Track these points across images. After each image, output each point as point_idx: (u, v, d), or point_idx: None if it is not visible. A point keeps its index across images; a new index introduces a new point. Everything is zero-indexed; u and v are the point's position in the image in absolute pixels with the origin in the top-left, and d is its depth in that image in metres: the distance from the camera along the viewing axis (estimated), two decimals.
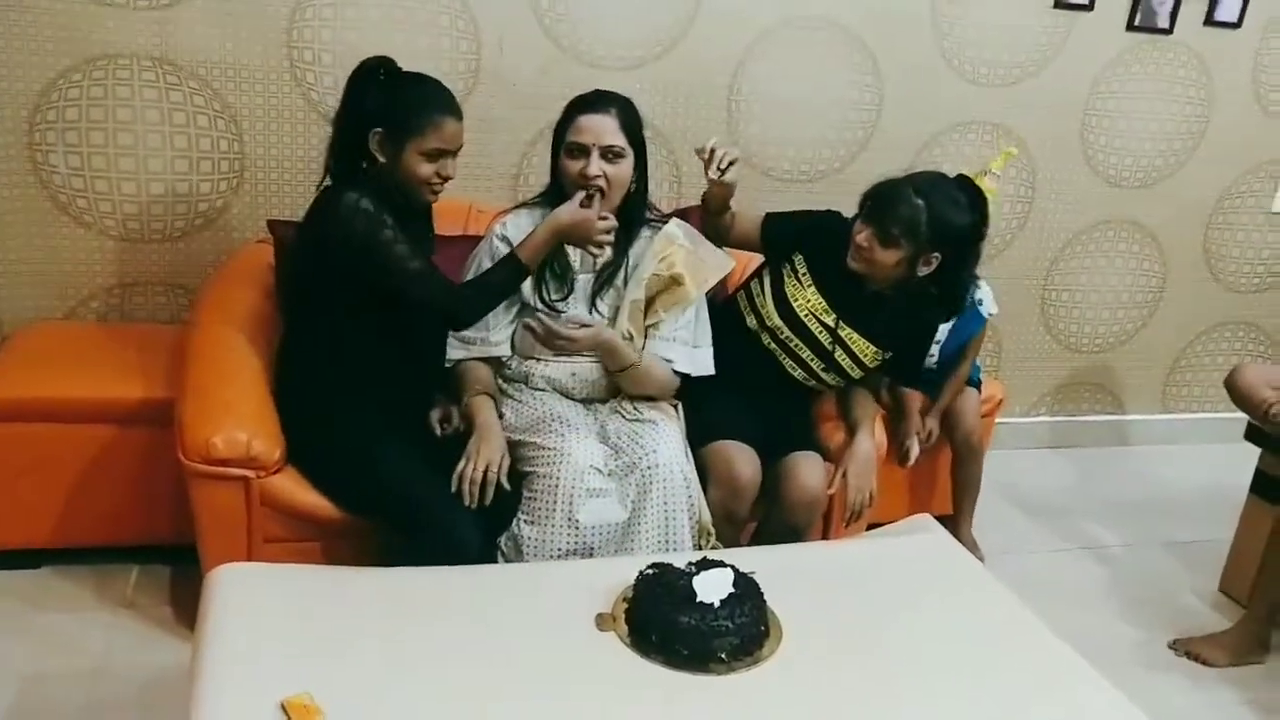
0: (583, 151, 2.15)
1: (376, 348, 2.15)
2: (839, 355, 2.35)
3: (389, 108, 2.04)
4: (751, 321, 2.39)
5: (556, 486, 2.05)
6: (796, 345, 2.35)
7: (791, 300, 2.35)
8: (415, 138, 2.02)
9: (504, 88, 2.82)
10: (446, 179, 2.09)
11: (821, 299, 2.33)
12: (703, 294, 2.31)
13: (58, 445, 2.34)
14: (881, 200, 2.24)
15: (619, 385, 2.26)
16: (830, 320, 2.33)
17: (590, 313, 2.25)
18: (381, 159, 2.05)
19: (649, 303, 2.26)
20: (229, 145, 2.69)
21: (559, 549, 2.05)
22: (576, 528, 2.05)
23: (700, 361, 2.30)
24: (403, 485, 2.04)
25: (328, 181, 2.12)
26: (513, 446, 2.15)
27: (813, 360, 2.36)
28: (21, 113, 2.54)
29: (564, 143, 2.18)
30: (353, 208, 2.00)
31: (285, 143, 2.73)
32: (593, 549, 2.06)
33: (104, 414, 2.34)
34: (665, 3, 2.89)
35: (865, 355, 2.37)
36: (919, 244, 2.21)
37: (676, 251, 2.25)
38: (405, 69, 2.10)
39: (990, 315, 2.87)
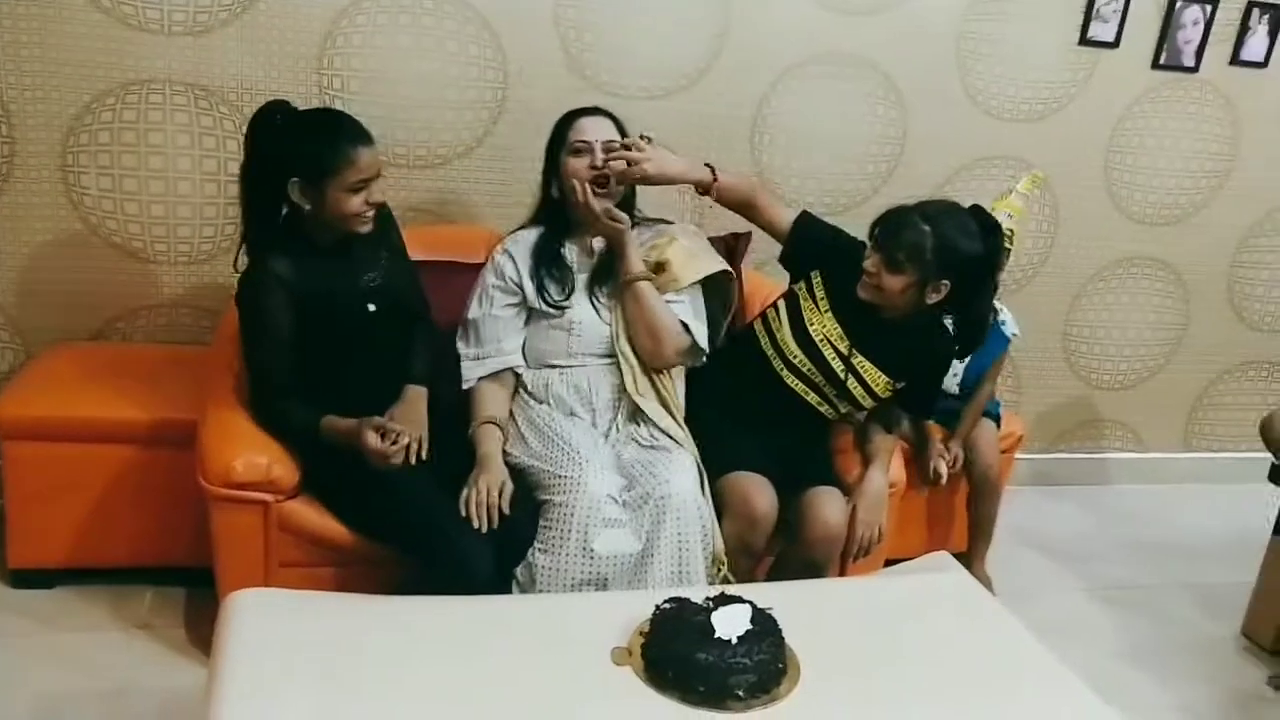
0: (587, 148, 2.29)
1: (355, 383, 2.16)
2: (851, 383, 2.35)
3: (298, 153, 2.02)
4: (767, 347, 2.39)
5: (572, 516, 2.07)
6: (810, 370, 2.35)
7: (808, 324, 2.35)
8: (333, 177, 2.01)
9: (530, 117, 2.84)
10: (377, 206, 2.10)
11: (837, 325, 2.34)
12: (694, 284, 2.38)
13: (78, 465, 2.35)
14: (889, 227, 2.24)
15: (625, 314, 2.30)
16: (844, 347, 2.33)
17: (592, 306, 2.34)
18: (306, 206, 2.05)
19: None
20: None
21: (573, 578, 2.05)
22: (591, 557, 2.05)
23: (700, 333, 2.36)
24: (414, 510, 2.05)
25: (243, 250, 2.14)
26: (529, 474, 2.18)
27: (825, 386, 2.36)
28: (56, 135, 2.57)
29: (565, 145, 2.31)
30: (248, 280, 2.09)
31: None
32: (607, 580, 2.06)
33: (124, 435, 2.36)
34: (691, 36, 2.91)
35: (877, 385, 2.36)
36: (925, 270, 2.20)
37: (668, 244, 2.39)
38: (307, 107, 2.15)
39: (1014, 335, 2.87)
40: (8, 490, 2.35)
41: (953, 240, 2.19)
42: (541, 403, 2.30)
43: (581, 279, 2.36)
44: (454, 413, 2.32)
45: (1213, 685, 2.60)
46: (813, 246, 2.40)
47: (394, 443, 2.02)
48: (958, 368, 2.78)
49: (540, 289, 2.33)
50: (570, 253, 2.38)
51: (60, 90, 2.55)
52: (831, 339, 2.33)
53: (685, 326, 2.34)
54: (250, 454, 2.07)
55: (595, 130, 2.31)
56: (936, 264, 2.19)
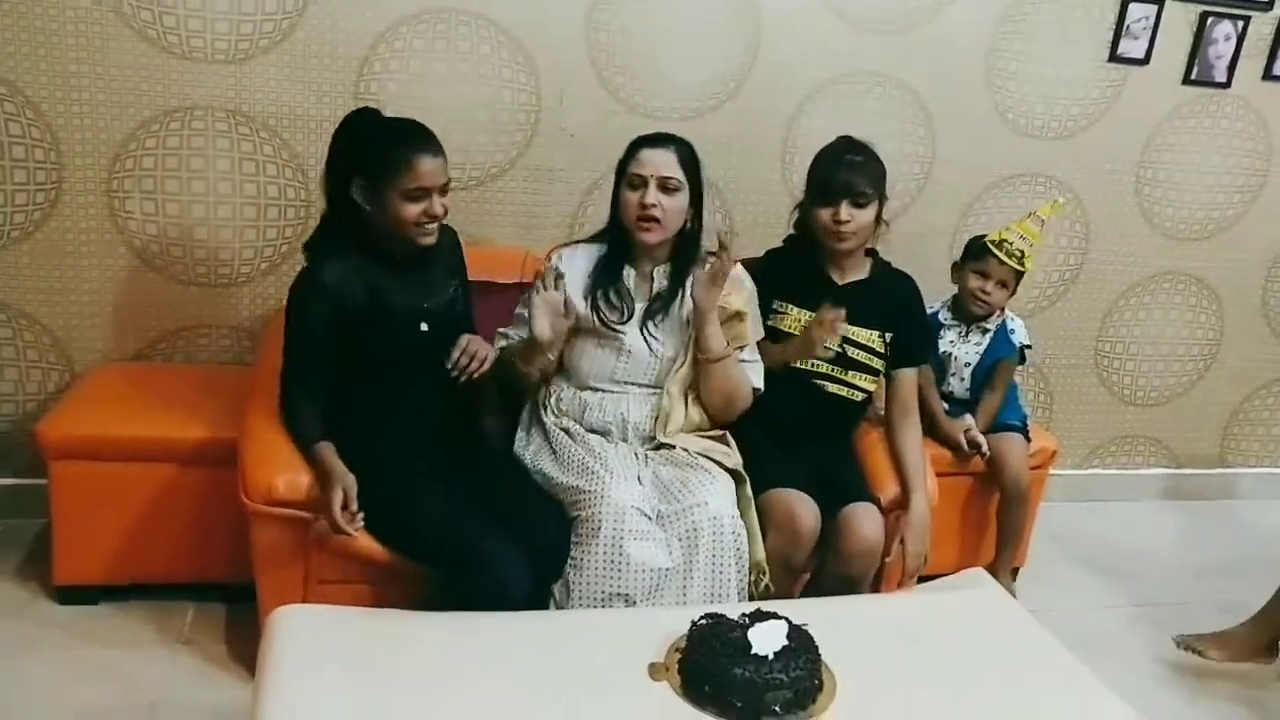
0: (642, 183, 2.26)
1: (394, 400, 2.19)
2: (852, 352, 2.44)
3: (364, 153, 2.06)
4: (781, 369, 2.45)
5: (599, 529, 2.09)
6: (815, 364, 2.44)
7: (789, 330, 2.45)
8: (393, 180, 2.02)
9: (562, 138, 2.88)
10: (435, 218, 2.08)
11: (810, 313, 2.43)
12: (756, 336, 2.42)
13: (123, 484, 2.40)
14: (835, 171, 2.37)
15: (705, 383, 2.31)
16: None
17: (643, 336, 2.33)
18: (367, 207, 2.07)
19: None
20: (295, 193, 2.77)
21: (603, 591, 2.07)
22: (620, 569, 2.07)
23: (760, 376, 2.39)
24: (447, 529, 2.07)
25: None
26: (559, 492, 2.21)
27: (834, 370, 2.45)
28: (102, 161, 2.64)
29: (625, 175, 2.29)
30: (301, 279, 2.11)
31: None
32: (636, 597, 2.07)
33: (167, 453, 2.41)
34: (722, 56, 2.94)
35: (873, 343, 2.46)
36: (881, 190, 2.40)
37: (742, 291, 2.38)
38: (392, 115, 2.14)
39: (1023, 345, 2.90)
40: (54, 508, 2.40)
41: (878, 157, 2.42)
42: (567, 424, 2.32)
43: (638, 307, 2.35)
44: (481, 434, 2.37)
45: (1250, 706, 2.57)
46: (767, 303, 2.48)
47: (351, 520, 2.00)
48: (964, 371, 2.86)
49: (595, 308, 2.32)
50: (629, 278, 2.36)
51: (106, 117, 2.61)
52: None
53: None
54: (291, 472, 2.10)
55: (653, 164, 2.26)
56: (882, 180, 2.41)
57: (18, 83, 2.55)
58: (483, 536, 2.04)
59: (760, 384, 2.37)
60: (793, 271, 2.48)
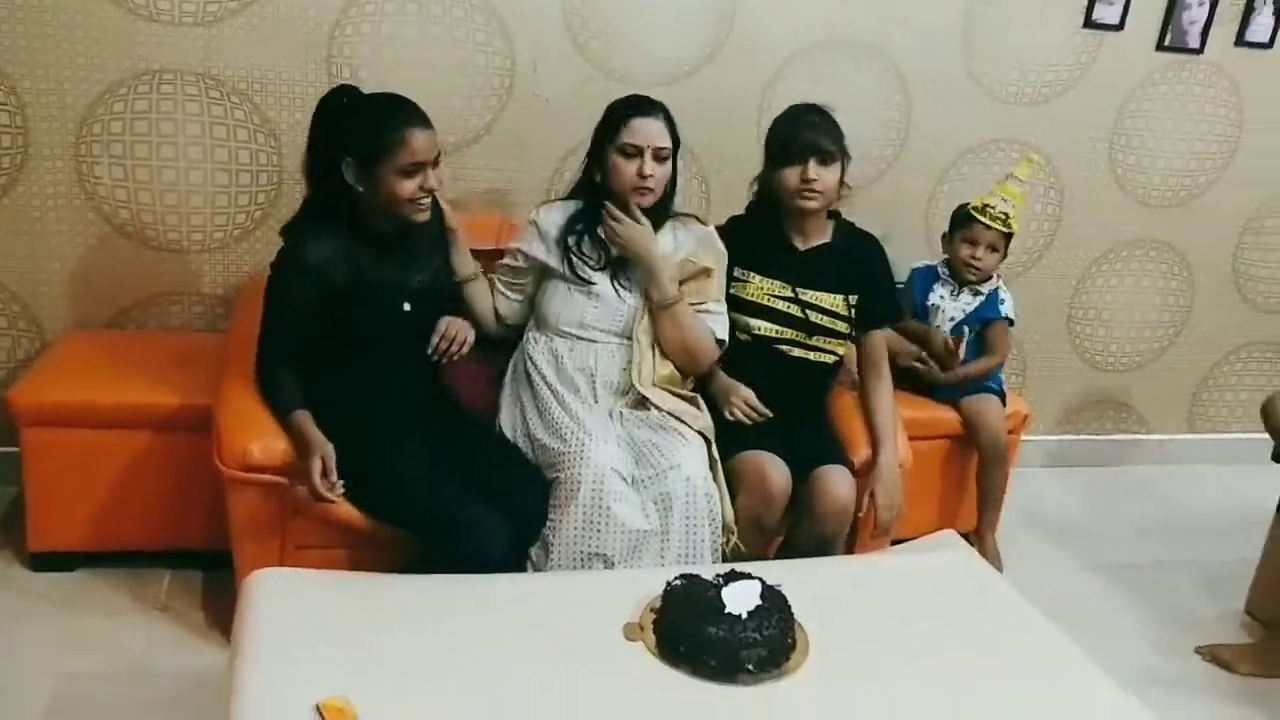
0: (637, 152, 2.29)
1: (378, 377, 2.19)
2: (814, 317, 2.46)
3: (353, 133, 2.02)
4: (747, 338, 2.48)
5: (578, 489, 2.10)
6: (778, 331, 2.46)
7: (751, 299, 2.47)
8: (386, 158, 2.00)
9: (537, 104, 2.86)
10: (430, 192, 2.08)
11: (771, 281, 2.46)
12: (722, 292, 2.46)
13: (96, 451, 2.39)
14: (798, 132, 2.38)
15: (659, 332, 2.34)
16: (789, 292, 2.45)
17: (613, 285, 2.36)
18: (360, 188, 2.04)
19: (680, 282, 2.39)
20: (267, 158, 2.74)
21: (582, 551, 2.09)
22: (600, 530, 2.09)
23: (723, 327, 2.43)
24: (426, 496, 2.07)
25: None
26: (537, 453, 2.24)
27: (797, 335, 2.47)
28: (69, 125, 2.60)
29: (616, 143, 2.30)
30: (283, 256, 2.09)
31: None
32: (612, 557, 2.09)
33: (140, 420, 2.39)
34: (698, 22, 2.93)
35: (836, 307, 2.47)
36: (844, 150, 2.40)
37: (712, 251, 2.43)
38: (375, 90, 2.12)
39: (1008, 316, 2.94)
40: (27, 475, 2.38)
41: (836, 120, 2.41)
42: (546, 375, 2.32)
43: (613, 253, 2.37)
44: (457, 404, 2.37)
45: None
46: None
47: (331, 488, 2.00)
48: (946, 324, 2.90)
49: (566, 257, 2.35)
50: (604, 232, 2.38)
51: (73, 81, 2.57)
52: (774, 292, 2.46)
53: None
54: (267, 438, 2.10)
55: (647, 134, 2.29)
56: (843, 142, 2.40)
57: None
58: (464, 505, 2.05)
59: (724, 335, 2.40)
60: (755, 238, 2.49)
